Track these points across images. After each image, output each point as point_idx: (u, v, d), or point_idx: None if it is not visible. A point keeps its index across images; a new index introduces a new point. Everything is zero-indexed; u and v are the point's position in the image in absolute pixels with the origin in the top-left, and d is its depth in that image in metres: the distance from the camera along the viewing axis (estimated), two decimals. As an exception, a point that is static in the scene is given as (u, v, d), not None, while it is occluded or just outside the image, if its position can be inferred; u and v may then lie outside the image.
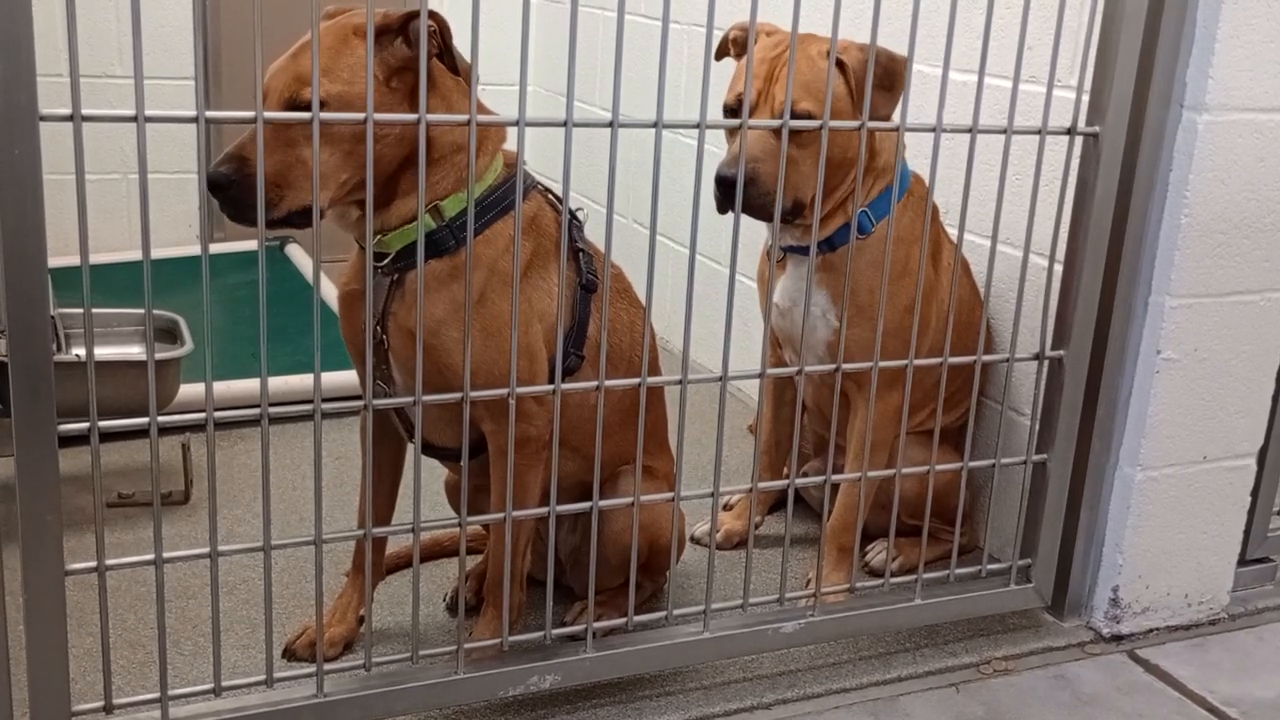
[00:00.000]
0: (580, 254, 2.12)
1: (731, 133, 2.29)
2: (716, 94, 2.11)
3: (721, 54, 2.37)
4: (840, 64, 2.23)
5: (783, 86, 2.20)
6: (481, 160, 1.98)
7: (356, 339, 2.07)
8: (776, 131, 2.17)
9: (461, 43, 1.82)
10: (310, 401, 1.73)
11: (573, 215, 2.13)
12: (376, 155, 1.75)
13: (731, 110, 2.28)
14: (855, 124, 2.04)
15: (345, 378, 3.03)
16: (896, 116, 2.15)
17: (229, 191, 1.77)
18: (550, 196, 2.11)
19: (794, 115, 2.19)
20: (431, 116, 1.73)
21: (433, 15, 1.81)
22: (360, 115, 1.66)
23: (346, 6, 1.93)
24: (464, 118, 1.76)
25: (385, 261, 1.96)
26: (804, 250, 2.16)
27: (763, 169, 2.18)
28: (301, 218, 1.85)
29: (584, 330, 2.10)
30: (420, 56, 1.68)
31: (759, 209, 2.18)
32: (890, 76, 2.15)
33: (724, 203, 2.17)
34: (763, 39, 2.29)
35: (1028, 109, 2.42)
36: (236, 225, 1.84)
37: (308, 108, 1.70)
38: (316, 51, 1.61)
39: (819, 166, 2.04)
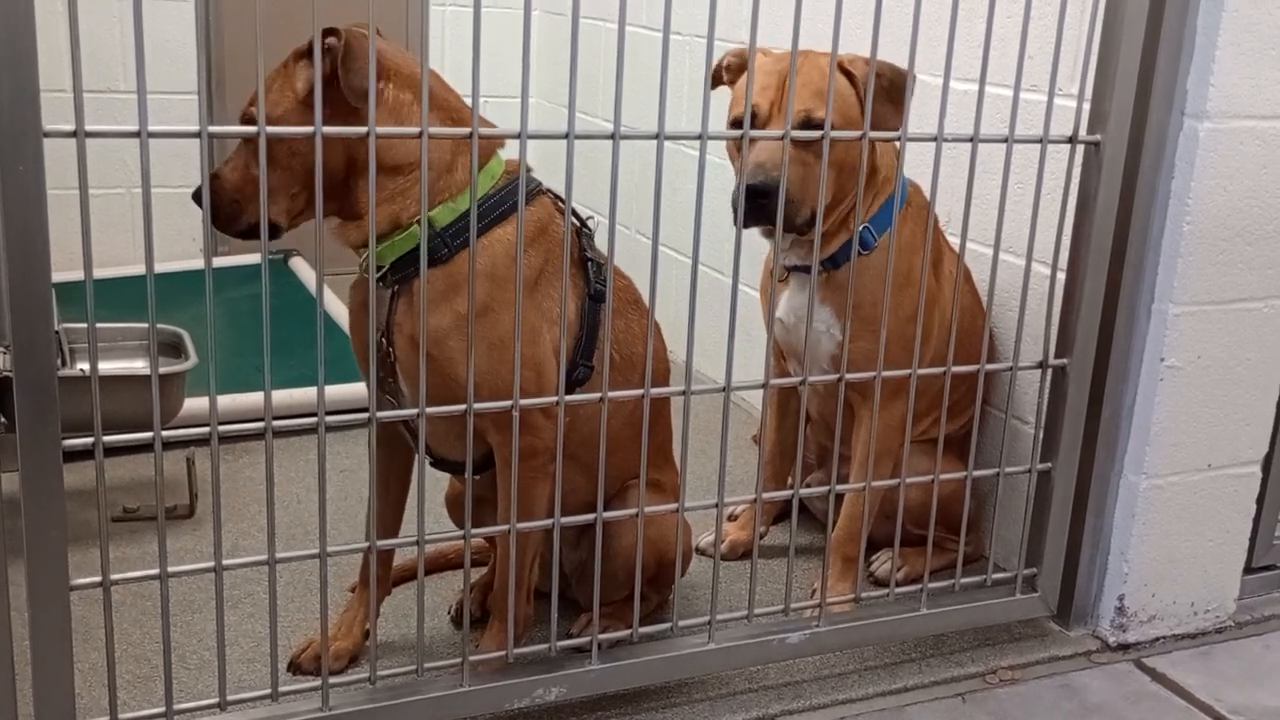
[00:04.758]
0: (589, 264, 2.11)
1: (740, 148, 2.26)
2: (718, 105, 2.11)
3: (716, 82, 2.34)
4: (850, 75, 2.23)
5: (796, 97, 2.19)
6: (459, 173, 1.97)
7: (365, 352, 2.07)
8: (793, 142, 2.16)
9: (463, 53, 1.82)
10: (314, 414, 1.73)
11: (583, 225, 2.13)
12: (313, 166, 1.72)
13: (741, 123, 2.24)
14: (857, 134, 2.05)
15: (349, 390, 3.05)
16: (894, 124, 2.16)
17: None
18: (562, 203, 2.10)
19: (811, 123, 2.19)
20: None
21: (333, 32, 1.83)
22: (309, 129, 1.66)
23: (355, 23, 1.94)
24: (465, 130, 1.76)
25: (382, 274, 1.97)
26: (809, 269, 2.15)
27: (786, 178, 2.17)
28: (259, 231, 1.90)
29: (594, 341, 2.10)
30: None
31: (783, 220, 2.17)
32: (896, 90, 2.16)
33: (751, 215, 2.14)
34: (764, 58, 2.29)
35: (1029, 118, 2.42)
36: (240, 239, 1.97)
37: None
38: (319, 62, 1.61)
39: (823, 175, 2.04)
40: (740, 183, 2.04)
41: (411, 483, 2.26)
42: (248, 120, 1.89)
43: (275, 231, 1.95)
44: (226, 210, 1.97)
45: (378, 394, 1.98)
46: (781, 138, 1.95)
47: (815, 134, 2.05)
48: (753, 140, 2.20)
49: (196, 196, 1.91)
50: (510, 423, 1.90)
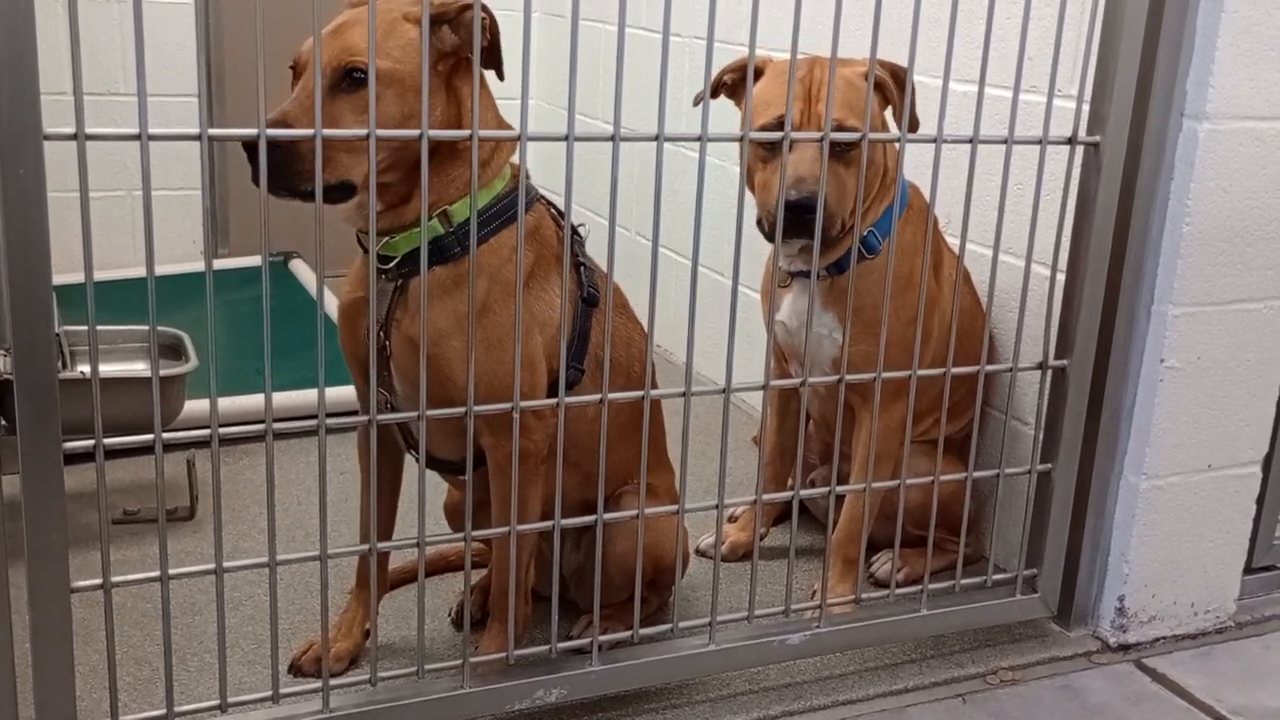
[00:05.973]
0: (581, 268, 2.12)
1: (765, 161, 2.27)
2: (718, 107, 2.11)
3: (716, 93, 2.33)
4: (878, 83, 2.23)
5: (825, 105, 2.19)
6: (489, 170, 1.98)
7: (357, 350, 2.06)
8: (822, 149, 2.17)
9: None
10: (314, 416, 1.74)
11: (574, 230, 2.13)
12: (409, 142, 1.75)
13: (768, 130, 2.21)
14: (856, 135, 2.05)
15: (349, 392, 3.04)
16: (895, 129, 2.16)
17: (272, 156, 1.68)
18: (553, 210, 2.11)
19: (840, 132, 2.18)
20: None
21: (484, 9, 1.82)
22: (415, 133, 1.69)
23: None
24: (465, 133, 1.77)
25: (391, 265, 1.96)
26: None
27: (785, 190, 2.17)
28: (335, 193, 1.83)
29: (585, 343, 2.10)
30: (474, 83, 1.70)
31: (781, 232, 2.18)
32: (902, 91, 2.17)
33: (792, 227, 2.13)
34: (773, 66, 2.29)
35: (1028, 119, 2.42)
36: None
37: (355, 76, 1.80)
38: (319, 51, 1.61)
39: (823, 179, 2.04)
40: (741, 192, 2.04)
41: (403, 481, 2.26)
42: (338, 68, 1.80)
43: (350, 192, 1.85)
44: (294, 166, 1.74)
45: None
46: (781, 139, 1.95)
47: (814, 135, 2.05)
48: (776, 151, 2.19)
49: (251, 149, 1.67)
50: (500, 424, 1.90)
